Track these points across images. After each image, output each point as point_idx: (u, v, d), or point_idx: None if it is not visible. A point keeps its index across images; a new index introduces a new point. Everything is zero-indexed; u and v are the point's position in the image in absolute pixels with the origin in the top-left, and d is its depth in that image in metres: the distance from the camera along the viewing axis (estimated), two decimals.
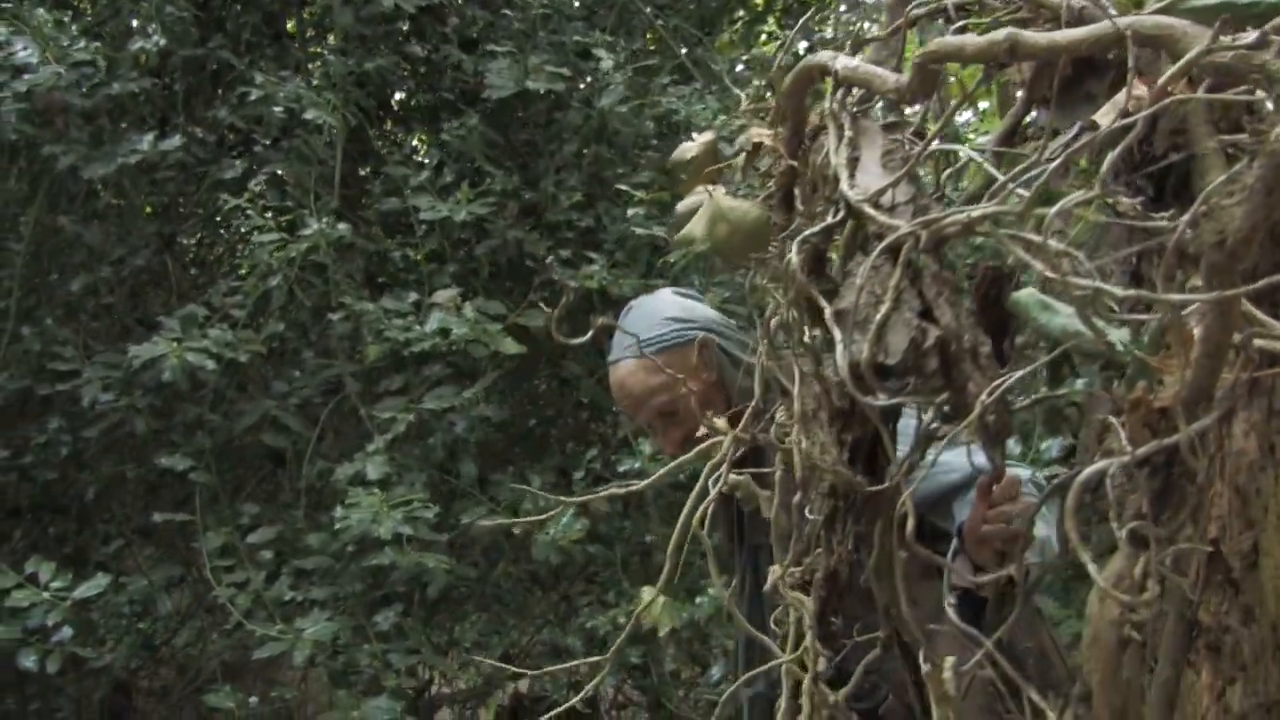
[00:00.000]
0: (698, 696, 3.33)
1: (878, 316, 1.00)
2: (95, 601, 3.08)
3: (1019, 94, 1.21)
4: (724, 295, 3.39)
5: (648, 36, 4.31)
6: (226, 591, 3.13)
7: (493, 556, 3.31)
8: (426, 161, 3.63)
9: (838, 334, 1.05)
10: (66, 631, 3.04)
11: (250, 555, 3.23)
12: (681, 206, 1.36)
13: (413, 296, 3.40)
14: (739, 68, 4.38)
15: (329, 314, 3.40)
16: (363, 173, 3.92)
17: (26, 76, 3.25)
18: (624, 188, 3.45)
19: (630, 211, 3.55)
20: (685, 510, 1.30)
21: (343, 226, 3.30)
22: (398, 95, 4.03)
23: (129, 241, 3.65)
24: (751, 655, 2.13)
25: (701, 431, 2.05)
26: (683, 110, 3.71)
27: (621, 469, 3.17)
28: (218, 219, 3.87)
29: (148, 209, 3.69)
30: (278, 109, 3.55)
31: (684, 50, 4.14)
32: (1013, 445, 3.02)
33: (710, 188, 1.38)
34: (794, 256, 1.14)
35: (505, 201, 3.63)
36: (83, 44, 3.31)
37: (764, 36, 4.77)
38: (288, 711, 3.92)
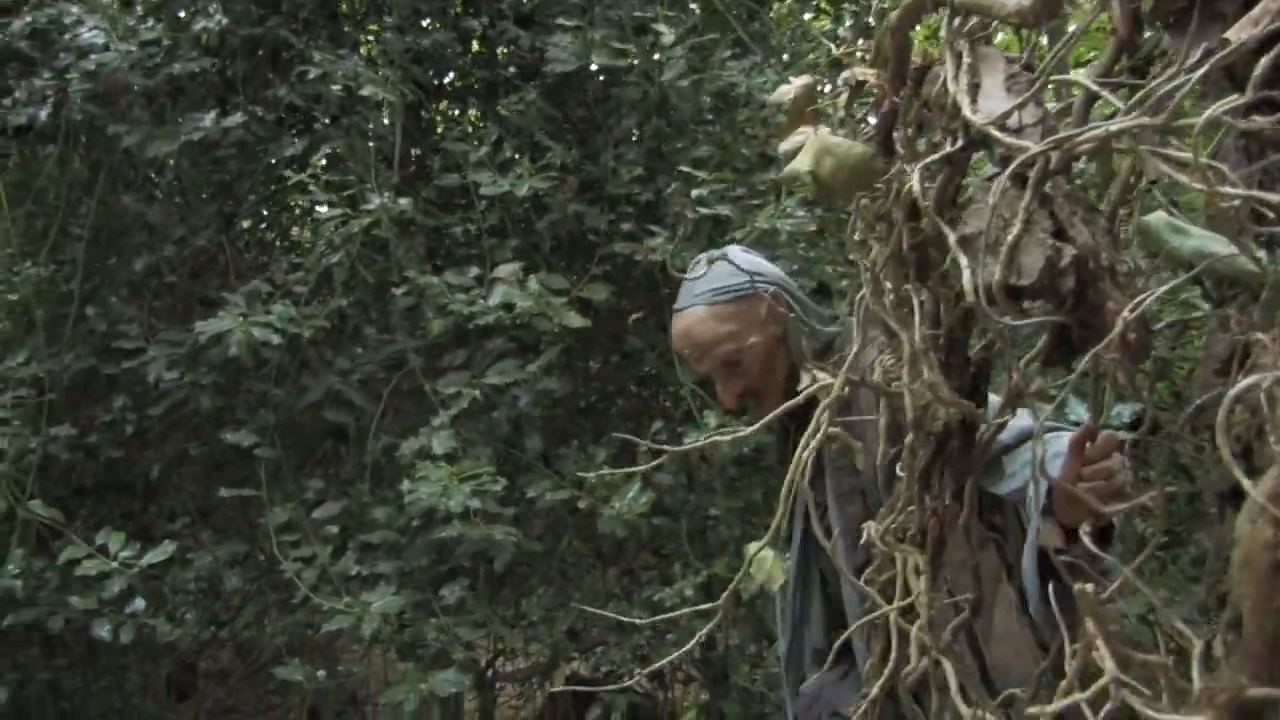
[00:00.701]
0: (765, 670, 3.31)
1: (1009, 238, 0.98)
2: (163, 574, 3.10)
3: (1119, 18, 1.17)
4: (791, 268, 3.36)
5: (698, 12, 4.28)
6: (293, 566, 3.14)
7: (558, 531, 3.30)
8: (484, 138, 3.61)
9: (963, 260, 1.03)
10: (139, 603, 3.07)
11: (315, 531, 3.24)
12: (785, 146, 1.33)
13: (474, 271, 3.39)
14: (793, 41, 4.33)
15: (391, 290, 3.40)
16: (419, 150, 3.91)
17: (94, 56, 3.28)
18: (686, 169, 3.42)
19: (694, 192, 3.53)
20: (799, 453, 1.27)
21: (404, 201, 3.30)
22: (453, 72, 4.01)
23: (189, 221, 3.67)
24: (804, 615, 2.12)
25: (780, 378, 2.02)
26: (743, 84, 3.68)
27: (686, 442, 3.15)
28: (278, 197, 3.88)
29: (209, 189, 3.69)
30: (336, 87, 3.56)
31: (740, 23, 4.10)
32: (1081, 411, 2.97)
33: (812, 128, 1.36)
34: (916, 184, 1.11)
35: (565, 176, 3.61)
36: (149, 23, 3.32)
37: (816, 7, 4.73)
38: (350, 688, 3.95)
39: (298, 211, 3.87)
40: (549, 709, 4.36)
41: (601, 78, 3.79)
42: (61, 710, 3.44)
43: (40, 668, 3.39)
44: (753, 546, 1.34)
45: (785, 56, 3.87)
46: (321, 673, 3.12)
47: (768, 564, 1.35)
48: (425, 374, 3.37)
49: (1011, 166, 1.03)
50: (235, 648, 4.13)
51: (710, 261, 2.07)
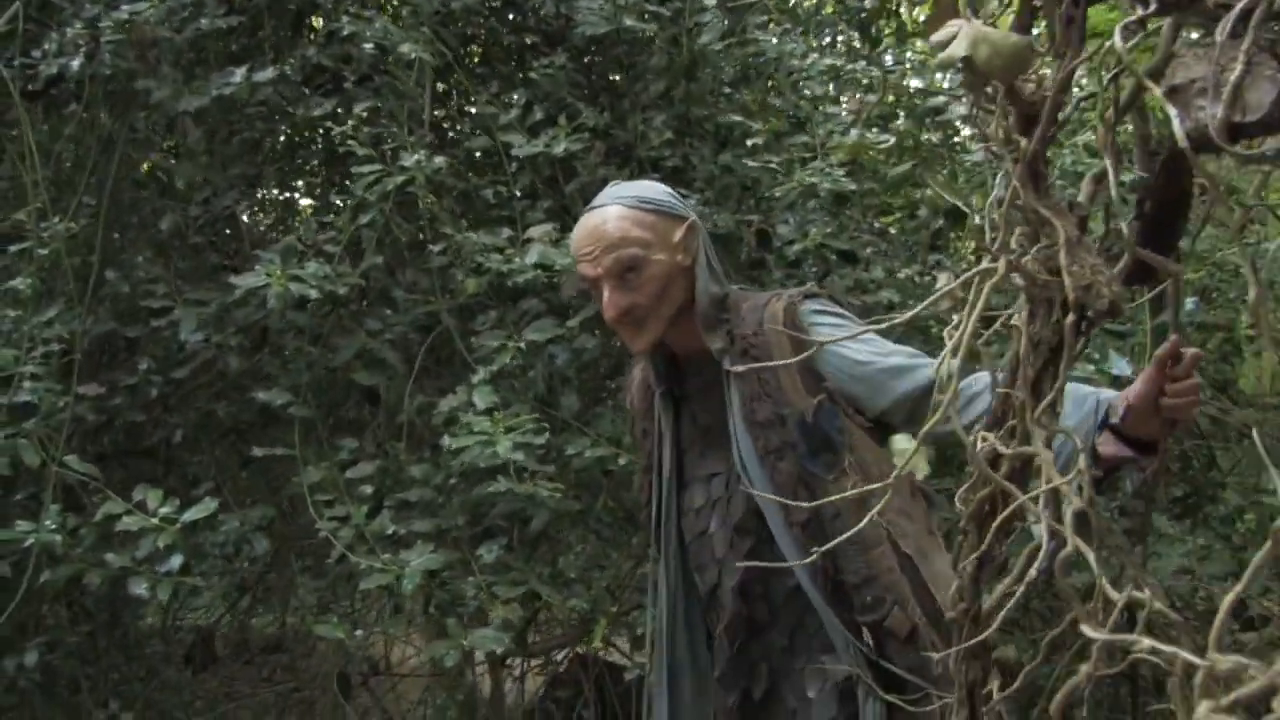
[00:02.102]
0: None
1: (1232, 78, 0.98)
2: (199, 531, 3.05)
3: None
4: (825, 229, 3.38)
5: None
6: (329, 525, 3.10)
7: (593, 490, 3.28)
8: (513, 101, 3.59)
9: (1173, 110, 1.03)
10: (174, 561, 3.02)
11: (349, 490, 3.20)
12: (937, 36, 1.33)
13: (506, 233, 3.37)
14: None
15: (420, 250, 3.38)
16: (445, 112, 3.89)
17: (125, 7, 3.23)
18: (734, 118, 3.41)
19: (721, 157, 3.53)
20: (952, 342, 1.27)
21: (440, 160, 3.27)
22: (482, 34, 3.99)
23: (213, 182, 3.62)
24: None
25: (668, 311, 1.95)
26: (771, 50, 3.69)
27: None
28: (305, 156, 3.85)
29: (235, 148, 3.65)
30: (368, 46, 3.53)
31: None
32: (1124, 365, 3.00)
33: (967, 18, 1.36)
34: (1119, 43, 1.11)
35: (593, 141, 3.60)
36: None
37: None
38: (374, 656, 3.91)
39: (324, 172, 3.82)
40: (550, 689, 4.35)
41: (627, 43, 3.79)
42: (87, 676, 3.37)
43: (68, 632, 3.33)
44: (897, 438, 1.34)
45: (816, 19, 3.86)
46: (359, 631, 3.08)
47: (904, 452, 1.34)
48: (458, 335, 3.35)
49: (1235, 11, 1.03)
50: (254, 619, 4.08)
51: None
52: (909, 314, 1.44)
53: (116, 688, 3.49)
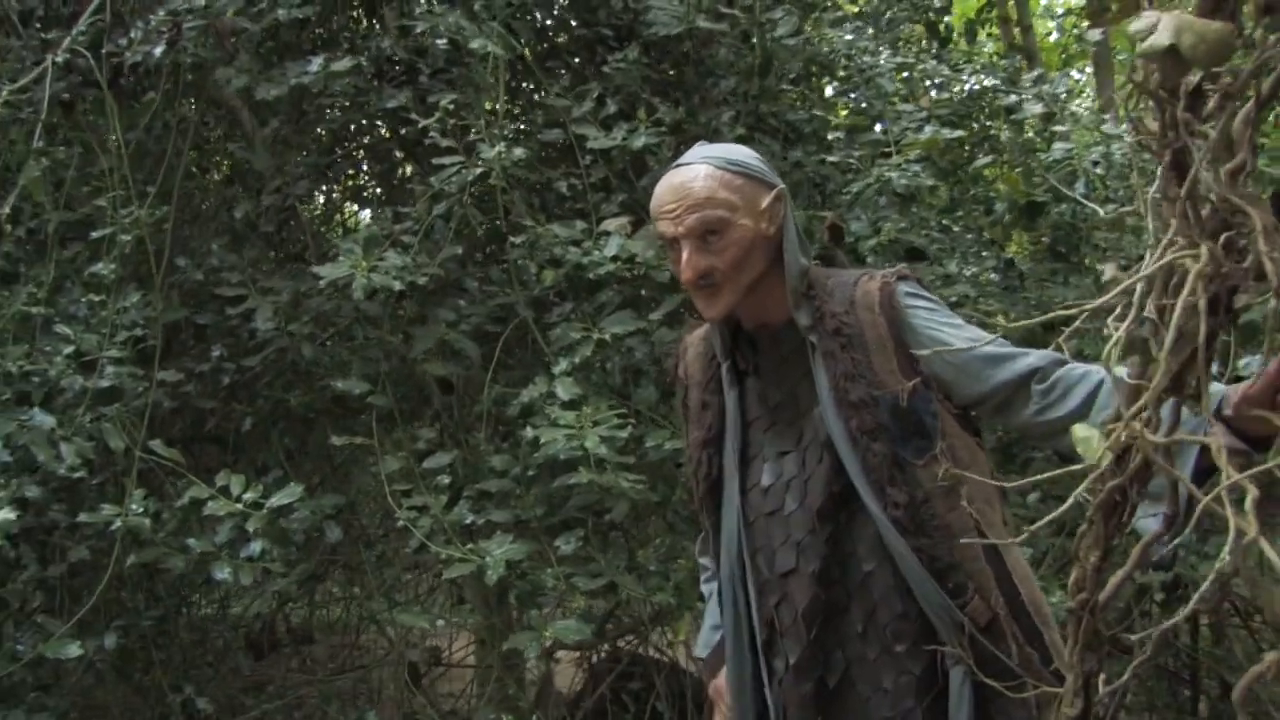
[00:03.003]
0: None
1: None
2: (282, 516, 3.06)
3: None
4: (899, 225, 3.39)
5: None
6: (408, 514, 3.12)
7: (669, 483, 3.29)
8: (585, 94, 3.60)
9: None
10: (254, 546, 3.04)
11: (425, 480, 3.21)
12: (1137, 25, 1.34)
13: (580, 225, 3.39)
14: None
15: (502, 241, 3.39)
16: (515, 105, 3.90)
17: None
18: (803, 114, 3.43)
19: (794, 153, 3.54)
20: (1119, 332, 1.28)
21: (520, 151, 3.28)
22: (552, 28, 4.00)
23: (286, 171, 3.64)
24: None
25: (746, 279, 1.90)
26: (842, 47, 3.70)
27: None
28: (378, 149, 3.86)
29: (309, 138, 3.66)
30: (441, 41, 3.55)
31: None
32: (1255, 362, 2.99)
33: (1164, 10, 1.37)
34: None
35: (664, 136, 3.61)
36: None
37: None
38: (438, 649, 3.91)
39: (397, 160, 3.83)
40: (593, 681, 4.36)
41: (695, 42, 3.80)
42: (159, 661, 3.38)
43: (143, 616, 3.34)
44: (1078, 428, 1.34)
45: (886, 17, 3.88)
46: (440, 621, 3.09)
47: (1093, 443, 1.35)
48: (533, 326, 3.36)
49: None
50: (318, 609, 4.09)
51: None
52: (1090, 306, 1.45)
53: (186, 672, 3.50)
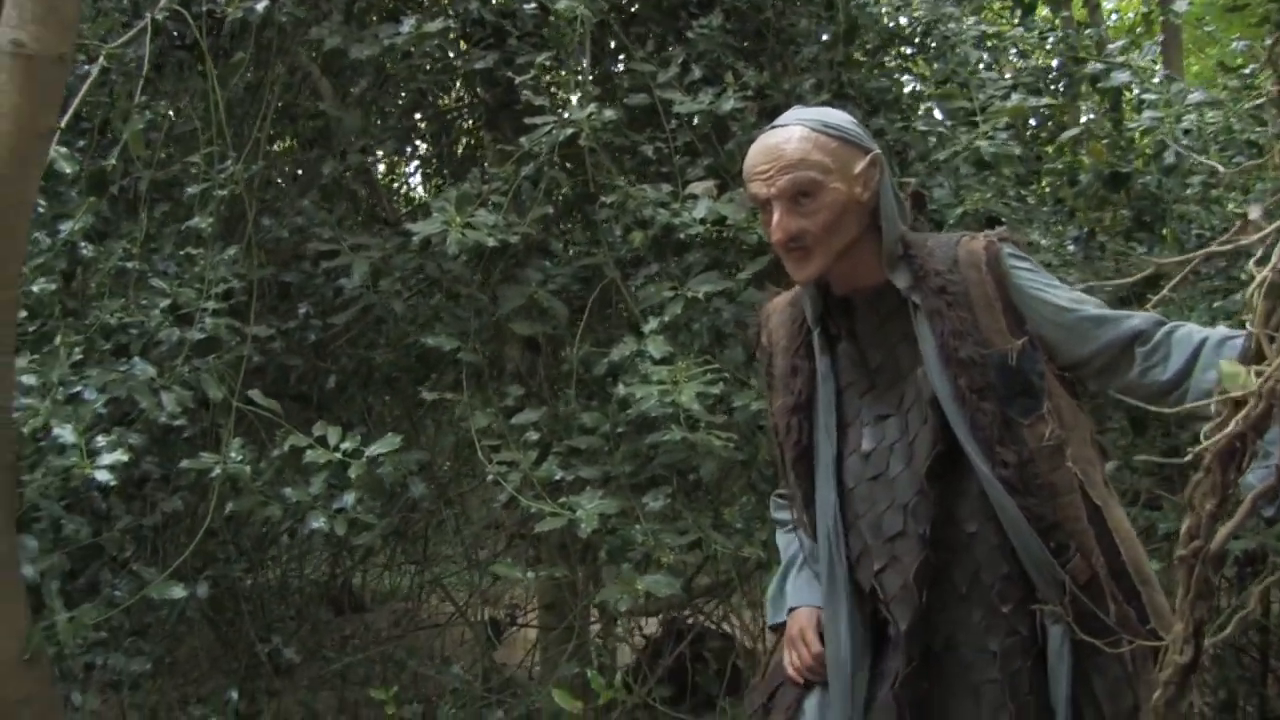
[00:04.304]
0: None
1: None
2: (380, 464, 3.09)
3: None
4: (986, 195, 3.41)
5: None
6: (498, 469, 3.15)
7: (753, 443, 3.31)
8: (670, 59, 3.63)
9: None
10: (347, 499, 3.08)
11: (514, 436, 3.25)
12: None
13: (667, 188, 3.41)
14: None
15: (587, 203, 3.42)
16: (600, 70, 3.93)
17: None
18: (884, 81, 3.45)
19: (877, 120, 3.55)
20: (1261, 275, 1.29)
21: (610, 112, 3.31)
22: None
23: (372, 131, 3.68)
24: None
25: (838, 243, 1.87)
26: (927, 14, 3.72)
27: None
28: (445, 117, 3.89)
29: (398, 100, 3.70)
30: (529, 5, 3.58)
31: None
32: None
33: None
34: None
35: (749, 101, 3.64)
36: None
37: None
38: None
39: (474, 128, 3.86)
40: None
41: (777, 8, 3.82)
42: (246, 612, 3.44)
43: (234, 566, 3.40)
44: (1224, 363, 1.35)
45: None
46: (531, 574, 3.13)
47: (1240, 377, 1.35)
48: (622, 286, 3.39)
49: None
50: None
51: None
52: (1227, 246, 1.45)
53: (269, 625, 3.55)
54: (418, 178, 4.84)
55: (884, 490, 1.93)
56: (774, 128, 1.91)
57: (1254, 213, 1.61)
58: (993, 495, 1.82)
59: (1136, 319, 1.84)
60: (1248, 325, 1.72)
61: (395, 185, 4.86)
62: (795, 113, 1.93)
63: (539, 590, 4.25)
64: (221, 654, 3.45)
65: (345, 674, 3.65)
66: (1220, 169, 2.08)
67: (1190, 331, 1.80)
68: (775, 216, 1.85)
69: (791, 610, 2.12)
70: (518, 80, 3.27)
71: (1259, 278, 1.34)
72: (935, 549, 1.88)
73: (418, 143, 4.21)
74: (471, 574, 3.78)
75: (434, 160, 4.29)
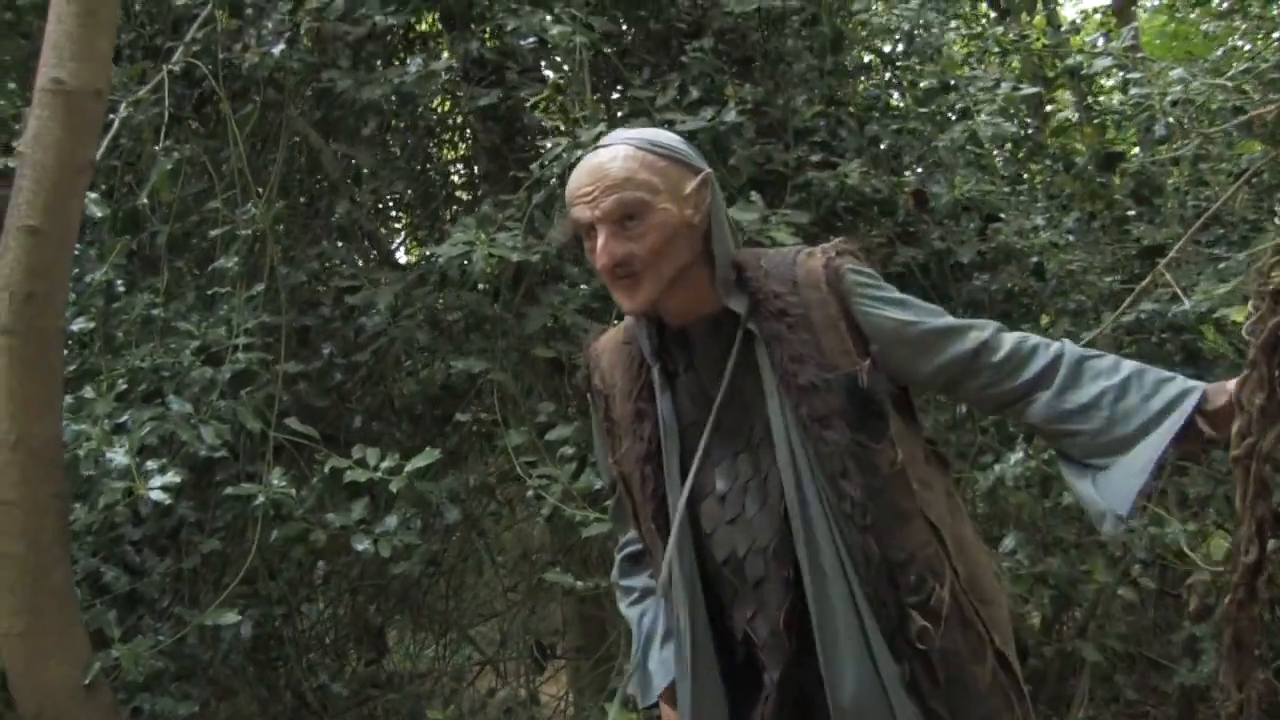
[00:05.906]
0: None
1: None
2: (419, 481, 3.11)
3: None
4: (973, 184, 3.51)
5: None
6: (538, 483, 3.18)
7: None
8: (666, 84, 3.74)
9: None
10: (389, 521, 3.10)
11: (549, 452, 3.28)
12: None
13: None
14: None
15: None
16: (599, 96, 4.04)
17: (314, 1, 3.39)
18: (875, 89, 3.56)
19: (870, 128, 3.66)
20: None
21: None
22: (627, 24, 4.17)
23: (381, 174, 3.76)
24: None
25: (669, 269, 1.71)
26: (910, 23, 3.86)
27: None
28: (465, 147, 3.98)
29: (406, 138, 3.79)
30: (529, 41, 3.70)
31: None
32: None
33: None
34: None
35: (745, 119, 3.74)
36: None
37: None
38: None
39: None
40: None
41: (765, 30, 3.96)
42: (290, 654, 3.42)
43: (274, 594, 3.40)
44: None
45: None
46: (579, 583, 3.14)
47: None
48: None
49: None
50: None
51: None
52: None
53: (309, 665, 3.53)
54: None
55: (743, 533, 1.79)
56: (598, 148, 1.78)
57: None
58: (839, 532, 1.71)
59: (982, 330, 1.77)
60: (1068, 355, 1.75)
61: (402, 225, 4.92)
62: (621, 133, 1.81)
63: (570, 623, 4.24)
64: (267, 696, 3.42)
65: (389, 713, 3.61)
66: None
67: (1039, 345, 1.75)
68: (600, 241, 1.71)
69: (662, 691, 1.99)
70: (529, 102, 3.36)
71: None
72: (802, 591, 1.74)
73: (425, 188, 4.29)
74: (502, 619, 3.74)
75: (435, 205, 4.37)
